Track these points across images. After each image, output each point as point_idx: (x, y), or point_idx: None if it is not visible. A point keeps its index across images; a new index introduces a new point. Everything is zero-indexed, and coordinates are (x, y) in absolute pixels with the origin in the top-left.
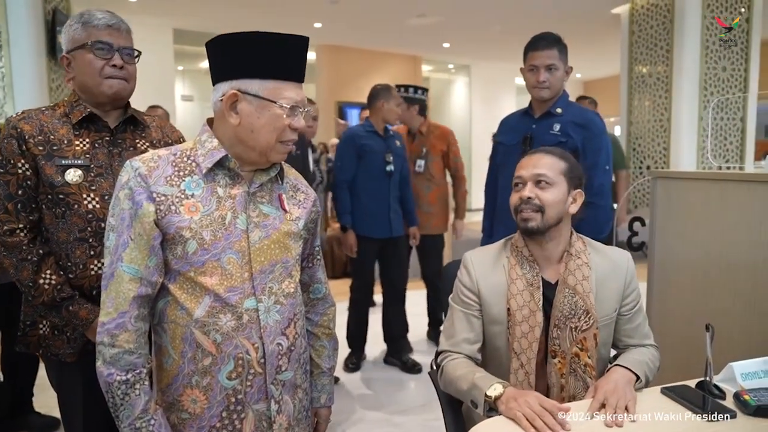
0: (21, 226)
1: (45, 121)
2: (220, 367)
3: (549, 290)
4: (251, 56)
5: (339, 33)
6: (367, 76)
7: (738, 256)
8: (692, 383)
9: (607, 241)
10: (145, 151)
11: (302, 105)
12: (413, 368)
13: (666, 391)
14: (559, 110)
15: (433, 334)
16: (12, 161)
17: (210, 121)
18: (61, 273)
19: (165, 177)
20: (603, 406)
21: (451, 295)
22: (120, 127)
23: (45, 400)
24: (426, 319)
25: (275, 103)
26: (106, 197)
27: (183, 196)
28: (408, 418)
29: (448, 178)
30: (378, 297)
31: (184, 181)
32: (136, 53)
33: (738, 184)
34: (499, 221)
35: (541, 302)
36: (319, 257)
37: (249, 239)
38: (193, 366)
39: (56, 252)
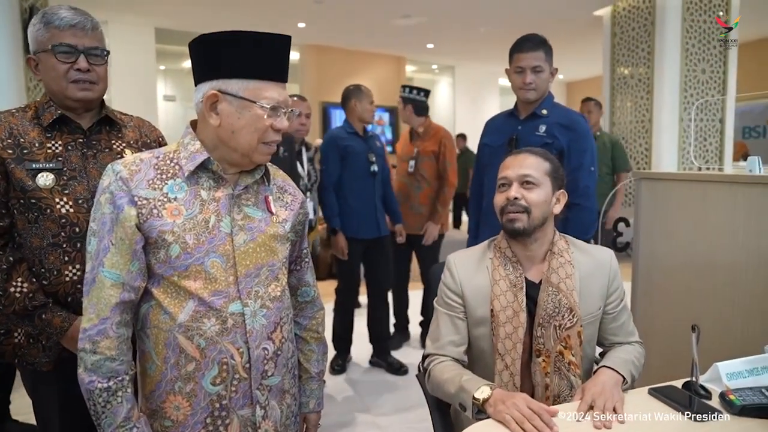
0: None
1: (14, 123)
2: (203, 373)
3: (533, 290)
4: (232, 56)
5: (323, 33)
6: (352, 76)
7: (720, 256)
8: (679, 383)
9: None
10: (122, 152)
11: (285, 105)
12: (399, 369)
13: (653, 392)
14: (544, 111)
15: (425, 334)
16: None
17: (193, 123)
18: (34, 280)
19: (147, 180)
20: (591, 407)
21: (435, 299)
22: (94, 128)
23: (23, 407)
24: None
25: (255, 103)
26: (80, 201)
27: (165, 200)
28: (394, 420)
29: None
30: (362, 298)
31: (166, 184)
32: (105, 53)
33: (720, 185)
34: (485, 222)
35: (524, 303)
36: (307, 260)
37: (234, 242)
38: (176, 372)
39: (29, 258)
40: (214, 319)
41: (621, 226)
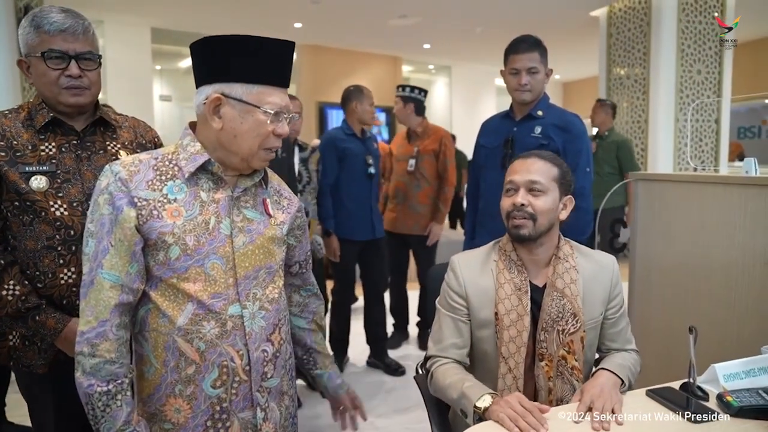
0: None
1: (7, 125)
2: (204, 376)
3: (537, 294)
4: (236, 60)
5: (320, 33)
6: (348, 76)
7: (717, 257)
8: (676, 385)
9: (589, 242)
10: (117, 153)
11: (287, 111)
12: (396, 370)
13: (651, 394)
14: (540, 113)
15: (423, 335)
16: None
17: (192, 125)
18: (26, 283)
19: (146, 181)
20: (590, 409)
21: (438, 299)
22: (88, 129)
23: (18, 409)
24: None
25: (259, 108)
26: (75, 204)
27: (165, 201)
28: (391, 422)
29: None
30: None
31: (166, 185)
32: (97, 57)
33: (716, 186)
34: (481, 224)
35: (528, 306)
36: (310, 261)
37: (233, 244)
38: (176, 375)
39: (24, 261)
40: (214, 322)
41: (618, 227)
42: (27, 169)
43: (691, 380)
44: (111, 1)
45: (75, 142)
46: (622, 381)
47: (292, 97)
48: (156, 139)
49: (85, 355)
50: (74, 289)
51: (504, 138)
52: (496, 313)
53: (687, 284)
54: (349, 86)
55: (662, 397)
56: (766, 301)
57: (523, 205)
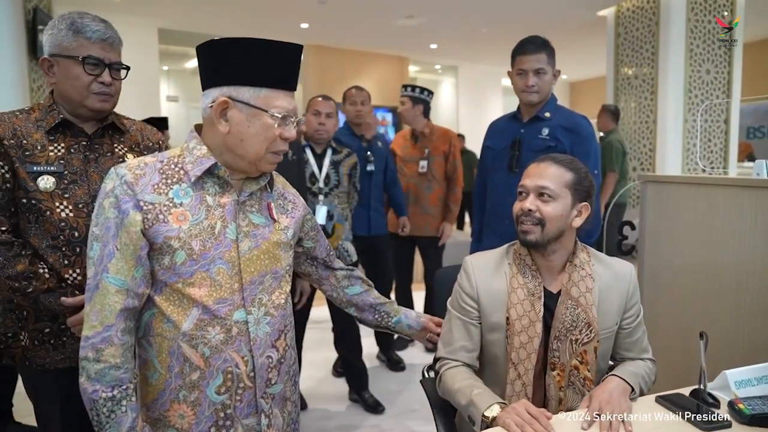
0: (3, 228)
1: (18, 124)
2: (208, 382)
3: (550, 300)
4: (244, 63)
5: (326, 33)
6: (355, 77)
7: (726, 259)
8: (686, 391)
9: (598, 244)
10: (123, 156)
11: (294, 114)
12: (397, 365)
13: (661, 400)
14: (547, 114)
15: None
16: None
17: (198, 128)
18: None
19: (152, 185)
20: (598, 415)
21: (449, 299)
22: (98, 132)
23: (24, 409)
24: None
25: (267, 112)
26: (80, 205)
27: (171, 205)
28: (397, 424)
29: None
30: None
31: (172, 189)
32: (125, 68)
33: (726, 188)
34: (488, 226)
35: (541, 313)
36: (333, 254)
37: (239, 249)
38: (181, 380)
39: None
40: (219, 328)
41: (626, 229)
42: (35, 168)
43: (702, 387)
44: (118, 1)
45: (84, 143)
46: (632, 388)
47: (325, 98)
48: (161, 143)
49: (90, 361)
50: (77, 292)
51: (511, 139)
52: (507, 318)
53: (696, 287)
54: None
55: (672, 403)
56: None
57: (531, 210)
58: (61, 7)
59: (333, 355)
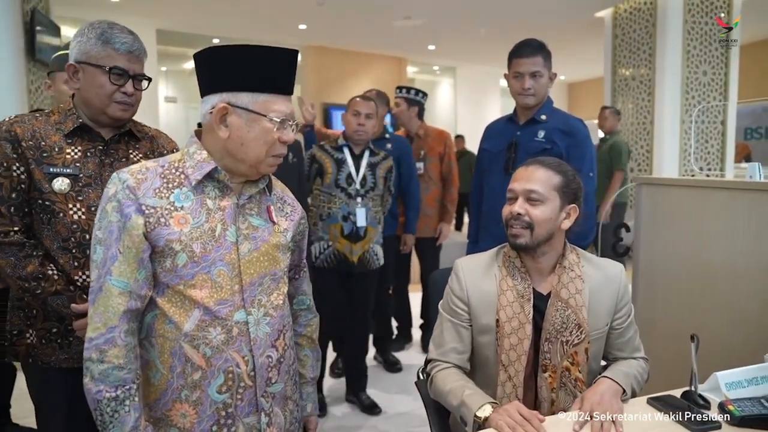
0: (16, 228)
1: (38, 126)
2: (209, 381)
3: (540, 302)
4: (241, 69)
5: (324, 34)
6: (353, 77)
7: (720, 262)
8: (677, 393)
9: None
10: (138, 162)
11: (291, 118)
12: (394, 366)
13: (652, 401)
14: (543, 117)
15: (426, 338)
16: (5, 164)
17: (197, 132)
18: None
19: (154, 189)
20: (590, 417)
21: (441, 302)
22: (115, 137)
23: (22, 411)
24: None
25: (265, 116)
26: (93, 208)
27: (172, 209)
28: (394, 424)
29: None
30: None
31: (173, 193)
32: (147, 79)
33: (720, 191)
34: (485, 228)
35: (531, 315)
36: (305, 270)
37: (239, 251)
38: (182, 380)
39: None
40: (220, 328)
41: (621, 231)
42: (51, 170)
43: (693, 388)
44: (116, 2)
45: (101, 148)
46: (624, 390)
47: (365, 99)
48: (176, 150)
49: (94, 361)
50: (85, 295)
51: (507, 142)
52: (497, 320)
53: (690, 289)
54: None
55: (663, 404)
56: None
57: (519, 214)
58: (60, 9)
59: (332, 355)
